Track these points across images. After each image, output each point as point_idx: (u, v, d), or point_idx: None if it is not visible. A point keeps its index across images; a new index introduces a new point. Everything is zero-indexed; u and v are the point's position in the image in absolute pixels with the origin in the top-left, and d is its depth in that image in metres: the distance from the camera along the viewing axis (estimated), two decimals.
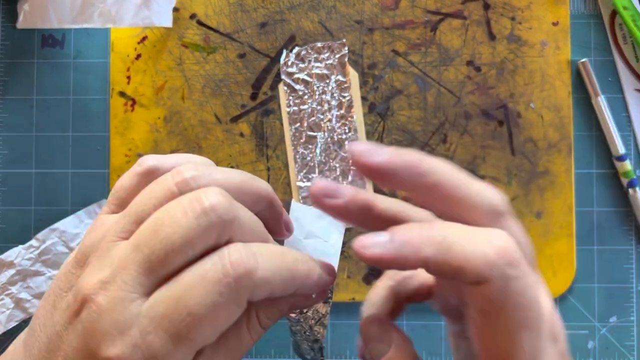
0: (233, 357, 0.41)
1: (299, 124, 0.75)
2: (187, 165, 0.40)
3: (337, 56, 0.76)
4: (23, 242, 0.76)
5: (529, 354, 0.37)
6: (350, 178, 0.75)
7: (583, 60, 0.77)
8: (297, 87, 0.75)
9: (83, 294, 0.37)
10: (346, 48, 0.77)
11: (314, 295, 0.44)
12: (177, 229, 0.36)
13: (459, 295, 0.40)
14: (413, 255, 0.36)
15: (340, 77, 0.76)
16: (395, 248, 0.36)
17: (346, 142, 0.75)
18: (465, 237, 0.36)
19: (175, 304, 0.35)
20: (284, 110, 0.76)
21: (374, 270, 0.75)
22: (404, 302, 0.46)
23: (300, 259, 0.41)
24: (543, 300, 0.39)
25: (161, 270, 0.36)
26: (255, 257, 0.37)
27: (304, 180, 0.75)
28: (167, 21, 0.76)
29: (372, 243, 0.37)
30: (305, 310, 0.48)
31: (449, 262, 0.35)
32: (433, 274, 0.39)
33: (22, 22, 0.76)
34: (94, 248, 0.39)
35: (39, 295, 0.75)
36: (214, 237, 0.37)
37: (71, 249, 0.76)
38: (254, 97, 0.77)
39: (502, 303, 0.36)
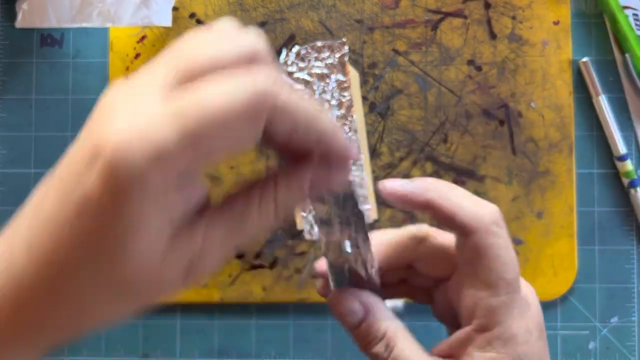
0: (233, 233, 0.40)
1: None
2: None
3: (338, 55, 0.76)
4: None
5: (503, 306, 0.45)
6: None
7: (584, 59, 0.77)
8: (297, 86, 0.75)
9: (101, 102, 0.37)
10: (347, 47, 0.76)
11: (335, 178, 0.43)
12: (214, 49, 0.37)
13: (455, 297, 0.48)
14: (420, 195, 0.46)
15: (340, 77, 0.76)
16: (409, 187, 0.47)
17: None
18: (466, 196, 0.47)
19: (193, 103, 0.35)
20: None
21: None
22: (405, 263, 0.52)
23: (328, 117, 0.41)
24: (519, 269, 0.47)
25: (186, 74, 0.36)
26: (283, 84, 0.37)
27: None
28: (166, 20, 0.76)
29: (393, 182, 0.48)
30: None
31: (445, 207, 0.46)
32: (433, 216, 0.47)
33: (20, 22, 0.76)
34: None
35: None
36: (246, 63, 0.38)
37: None
38: None
39: (485, 252, 0.45)
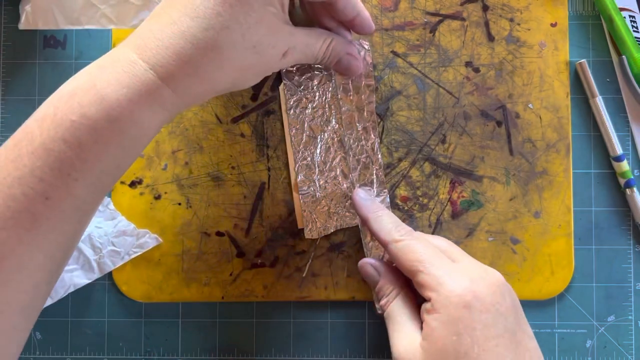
0: (307, 49, 0.65)
1: (299, 125, 0.76)
2: None
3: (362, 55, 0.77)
4: None
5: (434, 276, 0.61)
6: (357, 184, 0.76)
7: (581, 61, 0.78)
8: (298, 88, 0.76)
9: None
10: (367, 45, 0.77)
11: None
12: None
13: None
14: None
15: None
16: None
17: (345, 140, 0.76)
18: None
19: None
20: (285, 111, 0.76)
21: None
22: None
23: None
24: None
25: None
26: None
27: (304, 180, 0.76)
28: None
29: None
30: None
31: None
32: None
33: (24, 23, 0.77)
34: None
35: None
36: None
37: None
38: (254, 98, 0.78)
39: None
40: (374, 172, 0.76)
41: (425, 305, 0.60)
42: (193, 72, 0.55)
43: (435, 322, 0.58)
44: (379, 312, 0.71)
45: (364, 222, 0.71)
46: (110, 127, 0.53)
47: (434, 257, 0.62)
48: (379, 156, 0.76)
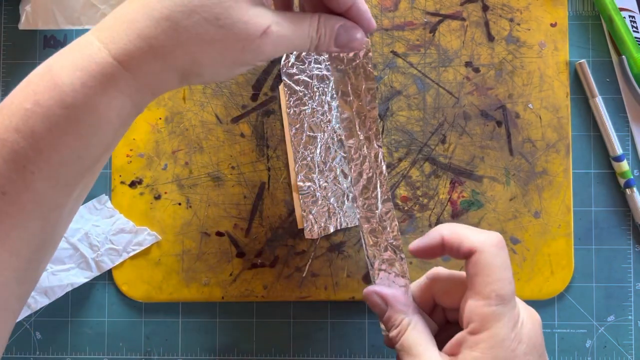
0: (294, 29, 0.57)
1: (299, 125, 0.76)
2: None
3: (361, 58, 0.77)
4: None
5: (494, 314, 0.55)
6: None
7: (581, 61, 0.78)
8: (297, 88, 0.76)
9: None
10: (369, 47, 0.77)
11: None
12: None
13: (461, 308, 0.59)
14: (435, 237, 0.60)
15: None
16: (426, 239, 0.61)
17: (346, 150, 0.76)
18: (471, 228, 0.59)
19: None
20: (284, 111, 0.76)
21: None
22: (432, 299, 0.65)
23: None
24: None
25: None
26: None
27: (304, 180, 0.76)
28: None
29: (414, 243, 0.62)
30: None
31: (454, 237, 0.58)
32: (448, 251, 0.60)
33: (24, 24, 0.77)
34: None
35: (41, 290, 0.76)
36: None
37: (72, 245, 0.76)
38: (254, 98, 0.78)
39: (482, 268, 0.56)
40: (378, 185, 0.73)
41: (466, 339, 0.57)
42: (146, 45, 0.51)
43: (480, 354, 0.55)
44: (386, 338, 0.66)
45: (440, 244, 0.62)
46: (64, 115, 0.50)
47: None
48: (384, 168, 0.72)
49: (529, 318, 0.57)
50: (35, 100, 0.49)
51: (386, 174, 0.70)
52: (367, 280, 0.76)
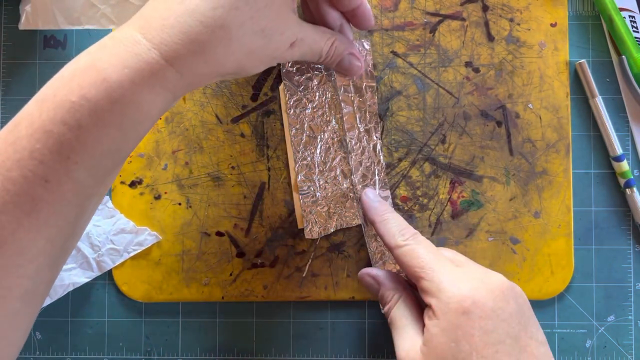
0: (313, 45, 0.65)
1: (299, 125, 0.76)
2: None
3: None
4: None
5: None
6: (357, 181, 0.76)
7: (581, 61, 0.78)
8: (298, 88, 0.76)
9: None
10: (367, 46, 0.77)
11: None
12: None
13: None
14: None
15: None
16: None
17: (347, 141, 0.76)
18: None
19: None
20: (285, 111, 0.76)
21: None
22: None
23: None
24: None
25: None
26: None
27: (304, 180, 0.76)
28: None
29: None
30: None
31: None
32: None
33: (24, 24, 0.77)
34: None
35: None
36: None
37: None
38: (254, 98, 0.78)
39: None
40: (376, 173, 0.76)
41: (427, 311, 0.61)
42: (200, 50, 0.54)
43: (435, 329, 0.59)
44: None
45: (372, 224, 0.72)
46: (110, 109, 0.52)
47: (436, 262, 0.62)
48: (381, 158, 0.76)
49: (481, 284, 0.60)
50: (81, 94, 0.50)
51: (384, 164, 0.73)
52: None
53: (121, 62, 0.52)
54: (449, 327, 0.58)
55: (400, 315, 0.65)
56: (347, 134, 0.75)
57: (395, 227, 0.68)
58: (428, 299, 0.61)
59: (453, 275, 0.61)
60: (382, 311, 0.69)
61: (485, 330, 0.57)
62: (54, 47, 0.80)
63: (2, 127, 0.78)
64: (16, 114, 0.53)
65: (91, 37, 0.80)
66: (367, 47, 0.77)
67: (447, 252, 0.68)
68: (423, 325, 0.61)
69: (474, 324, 0.57)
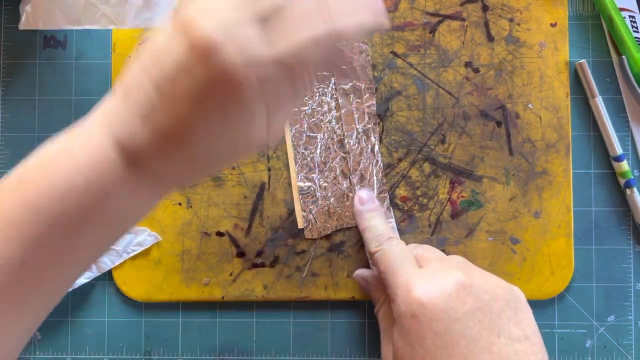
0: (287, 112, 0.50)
1: (299, 125, 0.76)
2: None
3: (361, 58, 0.77)
4: None
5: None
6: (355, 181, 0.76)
7: (581, 61, 0.78)
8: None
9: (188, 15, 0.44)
10: (367, 50, 0.77)
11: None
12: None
13: None
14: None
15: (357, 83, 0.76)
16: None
17: (345, 142, 0.76)
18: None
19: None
20: None
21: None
22: None
23: None
24: None
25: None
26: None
27: (304, 180, 0.76)
28: None
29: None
30: None
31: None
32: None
33: (24, 23, 0.77)
34: None
35: None
36: None
37: None
38: None
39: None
40: (374, 174, 0.76)
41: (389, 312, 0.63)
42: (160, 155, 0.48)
43: (395, 334, 0.60)
44: None
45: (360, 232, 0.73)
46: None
47: (399, 266, 0.63)
48: (379, 159, 0.76)
49: (433, 285, 0.59)
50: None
51: (382, 165, 0.73)
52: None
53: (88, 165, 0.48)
54: (403, 331, 0.59)
55: (383, 318, 0.67)
56: (346, 134, 0.75)
57: (373, 233, 0.69)
58: (392, 304, 0.62)
59: (409, 278, 0.61)
60: (375, 310, 0.71)
61: (436, 332, 0.57)
62: (54, 47, 0.80)
63: (1, 128, 0.78)
64: None
65: (91, 37, 0.80)
66: (365, 47, 0.77)
67: (419, 249, 0.67)
68: None
69: (423, 327, 0.57)
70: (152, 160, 0.48)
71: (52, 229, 0.47)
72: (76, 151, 0.48)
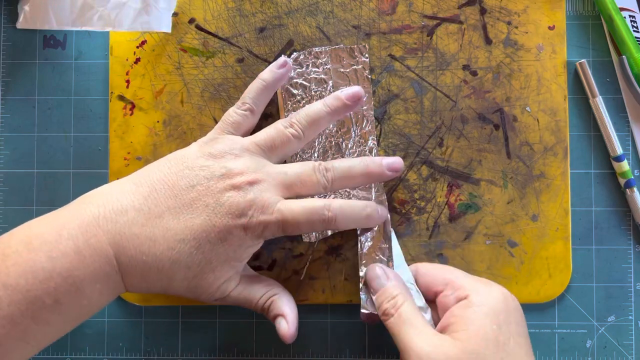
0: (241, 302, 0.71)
1: None
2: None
3: (359, 62, 0.77)
4: None
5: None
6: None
7: (581, 60, 0.77)
8: (295, 91, 0.76)
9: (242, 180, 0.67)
10: (366, 54, 0.77)
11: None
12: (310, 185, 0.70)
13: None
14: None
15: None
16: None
17: (343, 145, 0.76)
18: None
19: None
20: (282, 114, 0.76)
21: None
22: None
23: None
24: None
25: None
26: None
27: None
28: (166, 26, 0.76)
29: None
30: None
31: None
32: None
33: (22, 23, 0.77)
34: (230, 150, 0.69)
35: None
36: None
37: None
38: None
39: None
40: None
41: (460, 304, 0.65)
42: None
43: (475, 315, 0.62)
44: (365, 312, 0.71)
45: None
46: (78, 311, 0.63)
47: (462, 275, 0.69)
48: None
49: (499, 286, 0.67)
50: (56, 299, 0.60)
51: None
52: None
53: (94, 278, 0.62)
54: (491, 312, 0.63)
55: (413, 313, 0.66)
56: (344, 137, 0.75)
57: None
58: (464, 293, 0.66)
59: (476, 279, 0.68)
60: (383, 307, 0.68)
61: (518, 321, 0.64)
62: (54, 47, 0.81)
63: (1, 128, 0.78)
64: None
65: (91, 37, 0.80)
66: (364, 54, 0.77)
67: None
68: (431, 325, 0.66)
69: (511, 313, 0.64)
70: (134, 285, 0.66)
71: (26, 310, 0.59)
72: (94, 262, 0.63)
